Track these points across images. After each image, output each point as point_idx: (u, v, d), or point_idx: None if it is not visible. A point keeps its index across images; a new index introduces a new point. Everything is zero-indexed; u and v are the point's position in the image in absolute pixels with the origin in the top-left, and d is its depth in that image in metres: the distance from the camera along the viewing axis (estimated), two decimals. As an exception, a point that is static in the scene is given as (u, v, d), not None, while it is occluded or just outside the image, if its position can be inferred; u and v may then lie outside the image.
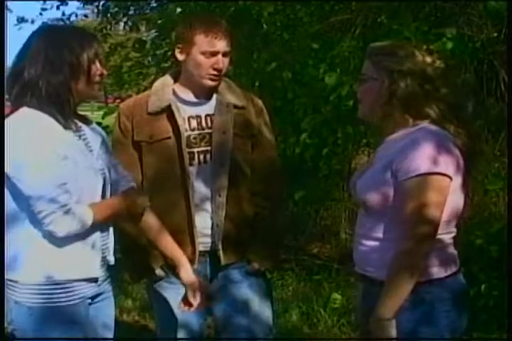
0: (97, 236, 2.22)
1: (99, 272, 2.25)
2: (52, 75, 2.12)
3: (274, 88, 4.80)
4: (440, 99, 2.06)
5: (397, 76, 2.03)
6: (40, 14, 8.33)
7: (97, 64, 2.19)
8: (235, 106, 2.64)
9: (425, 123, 2.07)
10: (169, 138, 2.58)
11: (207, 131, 2.61)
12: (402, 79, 2.03)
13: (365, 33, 4.52)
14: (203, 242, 2.62)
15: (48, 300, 2.14)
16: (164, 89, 2.64)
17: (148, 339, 3.90)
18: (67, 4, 8.06)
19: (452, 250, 2.14)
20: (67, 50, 2.13)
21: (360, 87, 2.15)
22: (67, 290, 2.16)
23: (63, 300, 2.16)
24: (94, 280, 2.24)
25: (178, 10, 6.30)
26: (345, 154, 5.05)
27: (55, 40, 2.16)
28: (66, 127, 2.16)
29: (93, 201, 2.20)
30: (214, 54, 2.54)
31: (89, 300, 2.24)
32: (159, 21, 6.60)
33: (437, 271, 2.06)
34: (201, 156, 2.61)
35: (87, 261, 2.21)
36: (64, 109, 2.15)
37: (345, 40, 4.42)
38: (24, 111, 2.13)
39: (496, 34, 4.10)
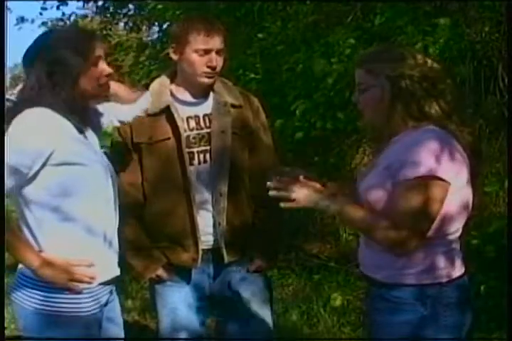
0: (109, 233, 2.18)
1: (118, 269, 2.22)
2: (59, 81, 2.07)
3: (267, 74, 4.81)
4: (440, 96, 2.07)
5: (395, 79, 2.05)
6: (40, 14, 8.42)
7: (102, 64, 2.15)
8: (232, 105, 2.65)
9: (427, 125, 2.07)
10: (169, 138, 2.59)
11: (205, 130, 2.61)
12: (402, 81, 2.04)
13: (360, 23, 4.53)
14: (206, 241, 2.63)
15: (69, 309, 2.09)
16: (162, 90, 2.64)
17: (149, 339, 3.90)
18: (67, 4, 8.08)
19: (459, 250, 2.15)
20: (69, 55, 2.08)
21: (360, 97, 2.15)
22: (88, 298, 2.12)
23: (84, 309, 2.11)
24: (115, 280, 2.21)
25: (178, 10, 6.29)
26: (342, 148, 5.04)
27: (55, 45, 2.10)
28: (78, 129, 2.12)
29: (107, 197, 2.17)
30: (207, 52, 2.54)
31: (102, 307, 2.20)
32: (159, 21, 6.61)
33: (452, 272, 2.08)
34: (201, 156, 2.61)
35: (107, 260, 2.17)
36: (72, 113, 2.10)
37: (339, 29, 4.43)
38: (34, 114, 2.05)
39: (494, 32, 4.10)
